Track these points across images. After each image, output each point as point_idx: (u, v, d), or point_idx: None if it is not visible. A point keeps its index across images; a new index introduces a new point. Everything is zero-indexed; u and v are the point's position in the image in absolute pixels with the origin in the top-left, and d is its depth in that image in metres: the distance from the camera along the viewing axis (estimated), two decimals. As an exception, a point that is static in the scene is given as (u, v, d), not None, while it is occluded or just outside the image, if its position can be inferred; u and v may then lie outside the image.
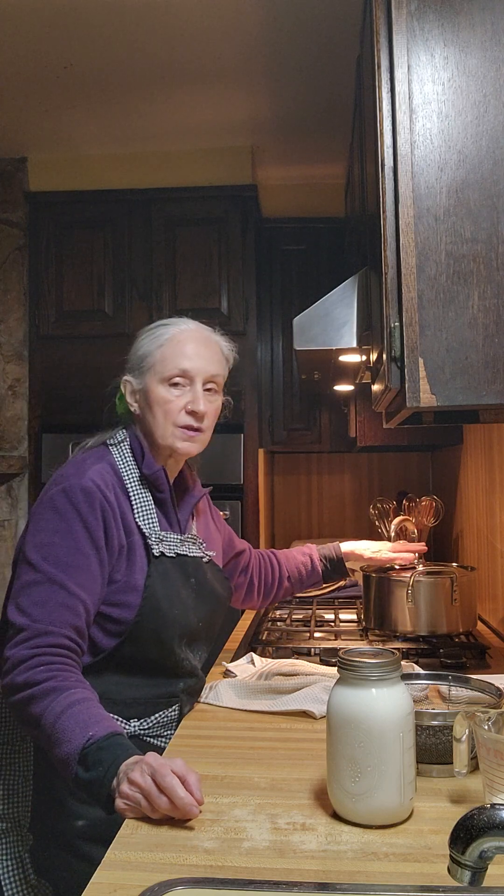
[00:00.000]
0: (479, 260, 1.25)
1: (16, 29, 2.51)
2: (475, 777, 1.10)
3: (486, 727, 1.02)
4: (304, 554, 2.00)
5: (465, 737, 1.06)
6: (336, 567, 2.00)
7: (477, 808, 0.73)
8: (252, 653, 1.86)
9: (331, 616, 2.38)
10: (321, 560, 1.99)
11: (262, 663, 1.79)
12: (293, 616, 2.41)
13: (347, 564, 2.02)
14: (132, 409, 1.53)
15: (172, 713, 1.46)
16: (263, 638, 2.11)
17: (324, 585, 2.84)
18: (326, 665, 1.78)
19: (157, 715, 1.44)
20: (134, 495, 1.46)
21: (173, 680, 1.46)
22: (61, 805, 1.32)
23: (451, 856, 0.73)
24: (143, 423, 1.51)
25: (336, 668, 1.08)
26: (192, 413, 1.48)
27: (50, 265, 3.38)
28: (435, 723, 1.20)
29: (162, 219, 3.35)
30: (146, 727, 1.42)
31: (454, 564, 2.26)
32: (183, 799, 1.02)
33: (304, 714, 1.48)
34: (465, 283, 1.25)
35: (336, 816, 1.05)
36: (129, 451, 1.50)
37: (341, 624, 2.27)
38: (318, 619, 2.33)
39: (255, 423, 3.33)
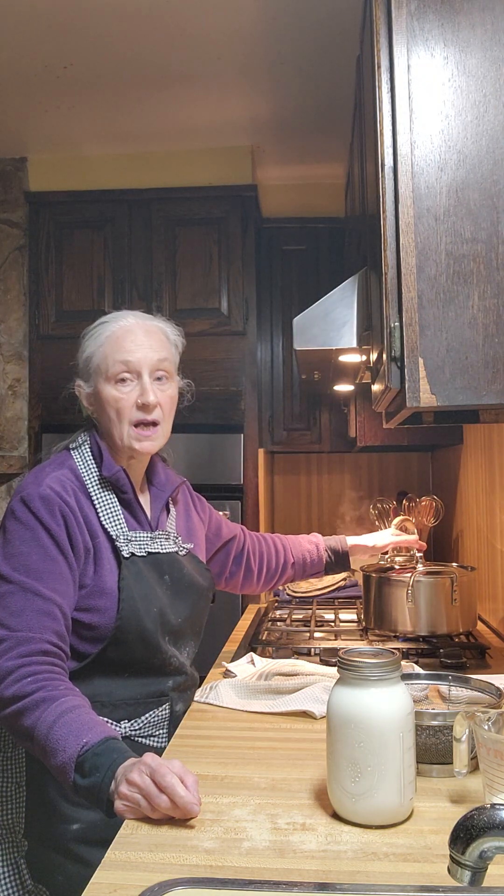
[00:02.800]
0: (479, 260, 1.25)
1: (16, 29, 2.51)
2: (475, 777, 1.10)
3: (486, 727, 1.02)
4: (311, 542, 2.00)
5: (465, 737, 1.06)
6: (340, 560, 2.00)
7: (477, 808, 0.73)
8: (252, 653, 1.86)
9: (331, 616, 2.38)
10: (326, 550, 1.99)
11: (262, 663, 1.78)
12: (293, 616, 2.41)
13: (352, 558, 2.03)
14: (90, 414, 1.52)
15: (163, 712, 1.46)
16: (263, 638, 2.11)
17: (324, 577, 2.86)
18: (326, 665, 1.78)
19: (147, 715, 1.44)
20: (97, 498, 1.44)
21: (161, 678, 1.46)
22: (55, 810, 1.33)
23: (451, 856, 0.73)
24: (101, 426, 1.50)
25: (336, 668, 1.08)
26: (142, 406, 1.45)
27: (50, 265, 3.38)
28: (435, 723, 1.20)
29: (162, 219, 3.35)
30: (137, 728, 1.42)
31: (454, 564, 2.26)
32: (184, 797, 1.02)
33: (304, 714, 1.48)
34: (465, 283, 1.25)
35: (336, 816, 1.05)
36: (89, 454, 1.49)
37: (341, 624, 2.27)
38: (318, 619, 2.33)
39: (254, 423, 3.33)
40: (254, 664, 1.79)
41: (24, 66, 2.74)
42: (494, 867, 0.74)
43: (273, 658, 1.87)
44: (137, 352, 1.45)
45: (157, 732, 1.45)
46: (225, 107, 3.07)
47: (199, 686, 1.62)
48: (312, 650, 1.96)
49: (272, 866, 0.93)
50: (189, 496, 1.73)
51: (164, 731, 1.46)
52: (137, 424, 1.45)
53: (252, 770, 1.24)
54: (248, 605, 2.98)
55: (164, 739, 1.45)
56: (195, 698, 1.59)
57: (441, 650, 1.89)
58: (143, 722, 1.43)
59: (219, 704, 1.55)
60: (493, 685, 1.34)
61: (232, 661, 1.83)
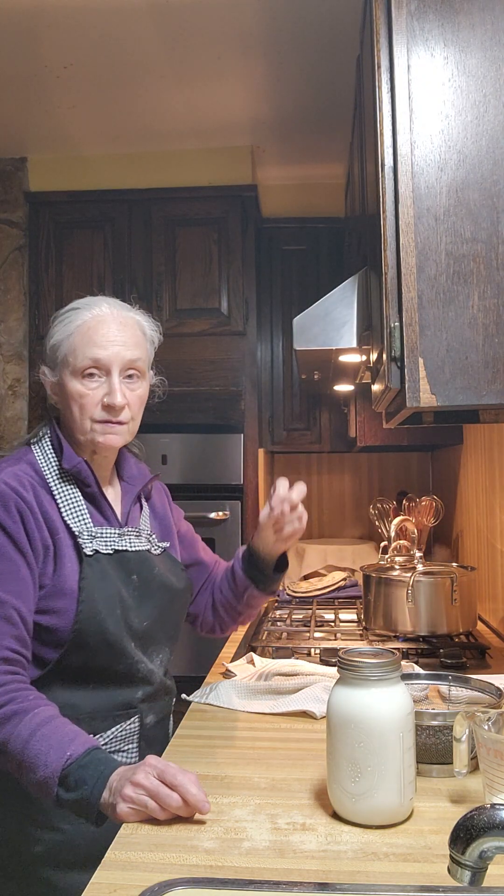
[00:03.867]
0: (479, 260, 1.25)
1: (16, 29, 2.51)
2: (475, 777, 1.10)
3: (486, 727, 1.02)
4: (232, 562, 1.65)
5: (465, 737, 1.06)
6: (252, 562, 1.55)
7: (477, 808, 0.73)
8: (252, 653, 1.86)
9: (331, 616, 2.38)
10: (241, 560, 1.59)
11: (262, 663, 1.79)
12: (293, 616, 2.41)
13: (260, 544, 1.53)
14: (54, 404, 1.43)
15: (132, 725, 1.36)
16: (263, 638, 2.11)
17: (324, 577, 2.85)
18: (326, 665, 1.78)
19: (114, 728, 1.34)
20: (58, 492, 1.35)
21: (129, 688, 1.35)
22: (17, 832, 1.27)
23: (451, 856, 0.73)
24: (64, 418, 1.41)
25: (336, 668, 1.08)
26: (108, 407, 1.35)
27: (50, 265, 3.38)
28: (435, 723, 1.20)
29: (162, 219, 3.35)
30: (104, 743, 1.32)
31: (454, 564, 2.26)
32: (196, 794, 1.02)
33: (305, 714, 1.48)
34: (465, 283, 1.25)
35: (336, 816, 1.05)
36: (49, 446, 1.40)
37: (341, 624, 2.27)
38: (318, 619, 2.33)
39: (254, 423, 3.33)
40: (254, 664, 1.79)
41: (24, 66, 2.74)
42: (494, 867, 0.74)
43: (273, 658, 1.87)
44: (109, 348, 1.34)
45: (127, 747, 1.36)
46: (225, 107, 3.07)
47: (175, 694, 1.51)
48: (312, 650, 1.96)
49: (272, 866, 0.93)
50: (165, 496, 1.62)
51: (135, 745, 1.37)
52: (101, 422, 1.36)
53: (252, 770, 1.24)
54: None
55: (134, 755, 1.36)
56: (195, 698, 1.59)
57: (441, 650, 1.89)
58: (109, 736, 1.33)
59: (219, 704, 1.55)
60: (493, 685, 1.34)
61: (232, 661, 1.83)
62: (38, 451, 1.40)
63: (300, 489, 1.45)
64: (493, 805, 0.73)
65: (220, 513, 3.14)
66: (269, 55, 2.69)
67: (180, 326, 3.27)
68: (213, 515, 3.13)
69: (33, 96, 2.96)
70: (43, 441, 1.41)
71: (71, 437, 1.40)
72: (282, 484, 1.45)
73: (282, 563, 1.57)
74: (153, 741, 1.39)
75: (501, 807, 0.72)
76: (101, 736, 1.32)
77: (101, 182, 3.42)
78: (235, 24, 2.50)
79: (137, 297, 3.31)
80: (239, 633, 2.29)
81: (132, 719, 1.36)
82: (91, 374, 1.35)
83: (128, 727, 1.35)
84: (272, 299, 3.57)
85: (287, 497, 1.43)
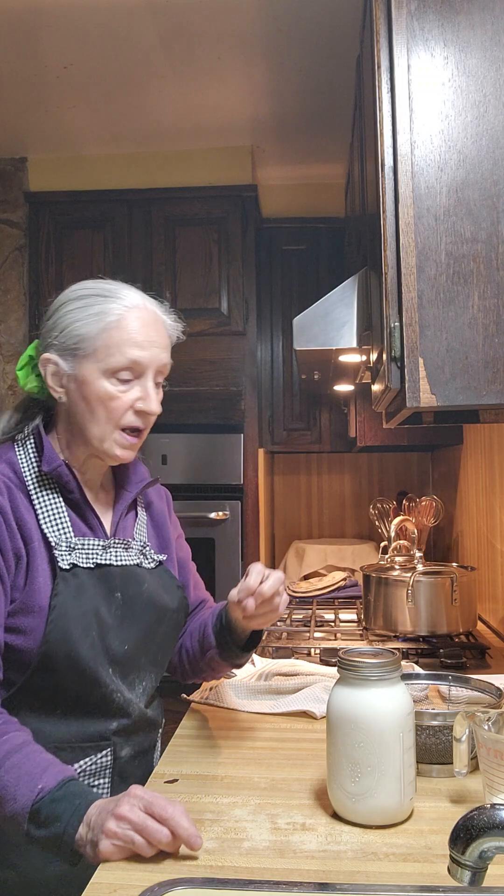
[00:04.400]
0: (479, 260, 1.25)
1: (15, 29, 2.51)
2: (475, 777, 1.10)
3: (486, 727, 1.02)
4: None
5: (465, 737, 1.06)
6: (224, 626, 1.37)
7: (477, 808, 0.73)
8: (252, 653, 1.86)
9: (331, 616, 2.38)
10: (215, 616, 1.41)
11: (262, 663, 1.79)
12: (293, 616, 2.41)
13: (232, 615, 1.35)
14: (56, 396, 1.26)
15: (104, 759, 1.22)
16: (263, 638, 2.11)
17: (324, 577, 2.84)
18: (326, 665, 1.78)
19: (84, 761, 1.20)
20: (37, 497, 1.22)
21: (102, 720, 1.22)
22: None
23: (451, 856, 0.73)
24: (73, 417, 1.26)
25: (336, 668, 1.08)
26: (141, 412, 1.24)
27: (50, 265, 3.38)
28: (435, 723, 1.20)
29: (162, 219, 3.35)
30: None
31: (454, 564, 2.26)
32: (188, 829, 0.93)
33: (305, 714, 1.48)
34: (465, 283, 1.25)
35: (336, 816, 1.05)
36: (32, 446, 1.27)
37: (341, 624, 2.27)
38: (318, 619, 2.33)
39: (254, 423, 3.33)
40: (254, 664, 1.79)
41: (24, 66, 2.74)
42: (494, 867, 0.74)
43: (273, 658, 1.87)
44: (149, 349, 1.23)
45: (98, 782, 1.22)
46: (225, 107, 3.07)
47: (162, 726, 1.39)
48: (312, 650, 1.96)
49: (272, 866, 0.93)
50: (167, 505, 1.48)
51: (107, 780, 1.23)
52: (126, 429, 1.25)
53: (252, 770, 1.24)
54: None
55: (105, 790, 1.23)
56: (195, 699, 1.59)
57: (441, 650, 1.89)
58: (78, 770, 1.19)
59: (219, 704, 1.55)
60: (493, 685, 1.34)
61: (232, 661, 1.83)
62: (21, 449, 1.27)
63: (274, 581, 1.24)
64: (493, 805, 0.73)
65: (220, 513, 3.14)
66: (269, 55, 2.69)
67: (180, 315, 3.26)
68: (213, 515, 3.13)
69: (33, 96, 2.96)
70: (28, 439, 1.28)
71: (71, 435, 1.27)
72: (254, 572, 1.25)
73: (252, 642, 1.38)
74: (129, 776, 1.26)
75: (501, 807, 0.72)
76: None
77: (101, 182, 3.41)
78: (235, 24, 2.50)
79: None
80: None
81: (104, 752, 1.23)
82: (124, 376, 1.23)
83: (99, 760, 1.22)
84: (272, 299, 3.57)
85: (257, 591, 1.23)
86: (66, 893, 1.05)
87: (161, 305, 1.32)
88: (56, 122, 3.17)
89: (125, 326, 1.23)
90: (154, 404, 1.25)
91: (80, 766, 1.20)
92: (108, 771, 1.23)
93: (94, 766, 1.22)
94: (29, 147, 3.40)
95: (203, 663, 1.44)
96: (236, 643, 1.37)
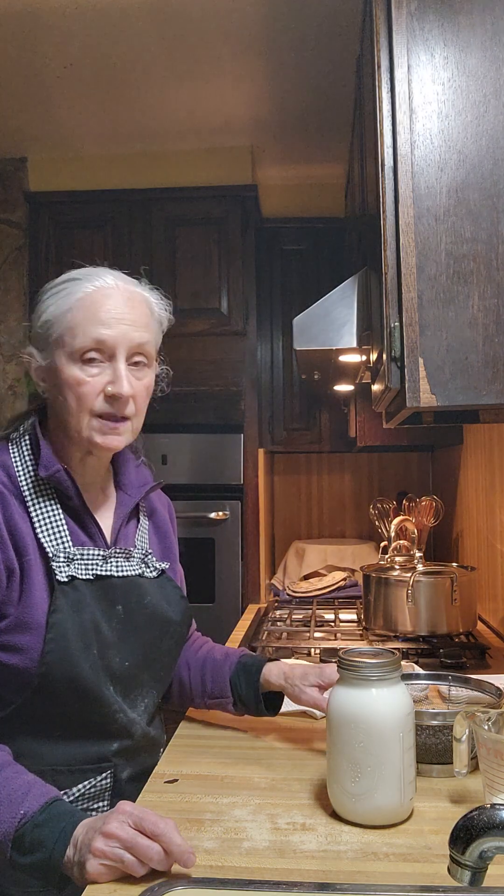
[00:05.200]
0: (479, 260, 1.25)
1: (16, 29, 2.51)
2: (475, 777, 1.10)
3: (486, 727, 1.02)
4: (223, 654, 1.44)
5: (465, 737, 1.06)
6: (251, 684, 1.36)
7: (477, 808, 0.73)
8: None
9: (331, 616, 2.38)
10: (239, 665, 1.39)
11: (262, 663, 1.78)
12: (293, 616, 2.41)
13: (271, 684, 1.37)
14: (40, 391, 1.21)
15: (104, 782, 1.17)
16: (263, 638, 2.11)
17: (324, 577, 2.84)
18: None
19: (83, 784, 1.16)
20: (33, 504, 1.16)
21: (103, 741, 1.17)
22: None
23: (451, 856, 0.73)
24: (56, 410, 1.20)
25: (336, 668, 1.08)
26: (112, 397, 1.15)
27: (50, 265, 3.38)
28: (435, 723, 1.20)
29: (162, 219, 3.35)
30: (71, 799, 1.14)
31: (454, 564, 2.26)
32: (181, 845, 0.88)
33: (305, 714, 1.48)
34: (465, 283, 1.25)
35: (336, 816, 1.05)
36: (28, 447, 1.20)
37: (341, 624, 2.27)
38: (318, 619, 2.33)
39: (255, 423, 3.33)
40: (254, 664, 1.79)
41: (24, 66, 2.74)
42: (494, 867, 0.74)
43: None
44: (115, 327, 1.14)
45: (97, 805, 1.18)
46: (225, 107, 3.07)
47: (165, 746, 1.33)
48: (312, 650, 1.96)
49: (272, 866, 0.93)
50: (168, 513, 1.43)
51: (106, 802, 1.18)
52: (102, 416, 1.16)
53: (252, 770, 1.24)
54: (248, 605, 2.98)
55: (105, 811, 1.13)
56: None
57: (441, 650, 1.89)
58: (76, 794, 1.15)
59: (219, 704, 1.55)
60: (493, 685, 1.34)
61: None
62: (16, 450, 1.20)
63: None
64: (493, 805, 0.73)
65: (220, 513, 3.14)
66: (269, 55, 2.68)
67: (180, 326, 3.24)
68: (213, 515, 3.13)
69: (33, 96, 2.96)
70: (23, 439, 1.21)
71: (59, 436, 1.21)
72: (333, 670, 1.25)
73: (276, 704, 1.38)
74: (129, 798, 1.14)
75: (501, 807, 0.72)
76: (67, 793, 1.14)
77: (101, 182, 3.41)
78: (235, 24, 2.50)
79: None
80: (239, 633, 2.29)
81: (104, 774, 1.18)
82: (92, 359, 1.15)
83: (99, 783, 1.17)
84: (272, 299, 3.57)
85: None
86: None
87: (139, 284, 1.24)
88: (56, 122, 3.17)
89: (88, 305, 1.15)
90: (124, 386, 1.14)
91: (79, 790, 1.15)
92: (107, 793, 1.18)
93: (93, 790, 1.17)
94: (29, 147, 3.40)
95: (199, 701, 1.41)
96: (265, 708, 1.37)
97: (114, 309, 1.16)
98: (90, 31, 2.52)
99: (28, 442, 1.21)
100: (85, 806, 1.16)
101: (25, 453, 1.20)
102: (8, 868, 0.95)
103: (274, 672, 1.35)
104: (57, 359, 1.16)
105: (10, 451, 1.20)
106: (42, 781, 1.00)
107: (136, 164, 3.44)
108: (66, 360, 1.15)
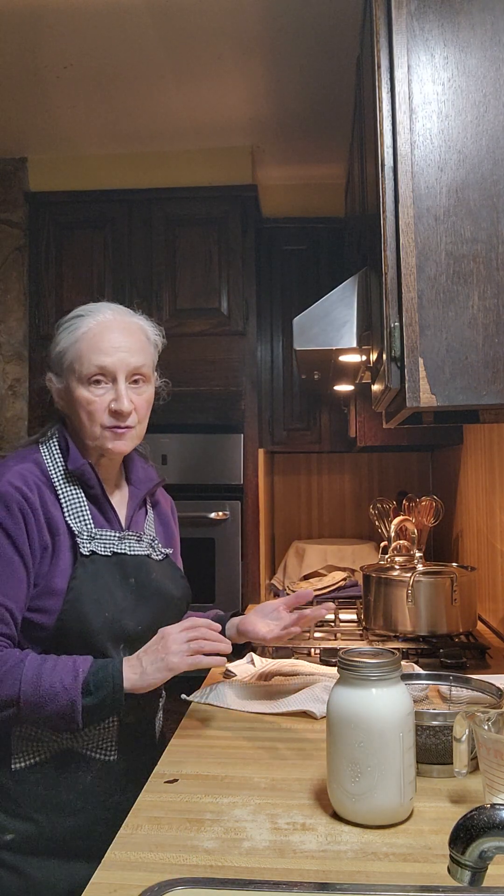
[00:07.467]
0: (479, 260, 1.25)
1: (16, 29, 2.51)
2: (475, 777, 1.10)
3: (486, 727, 1.02)
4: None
5: (465, 737, 1.06)
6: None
7: (477, 808, 0.73)
8: (252, 653, 1.86)
9: (331, 616, 2.38)
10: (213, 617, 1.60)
11: (262, 663, 1.79)
12: (293, 616, 2.40)
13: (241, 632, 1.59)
14: (59, 409, 1.46)
15: (110, 724, 1.35)
16: (263, 638, 2.11)
17: (324, 577, 2.84)
18: (326, 665, 1.78)
19: (90, 727, 1.32)
20: (62, 492, 1.38)
21: None
22: None
23: (451, 856, 0.73)
24: (72, 423, 1.44)
25: (336, 668, 1.08)
26: (115, 413, 1.38)
27: (50, 265, 3.38)
28: (435, 723, 1.20)
29: (162, 219, 3.35)
30: (80, 741, 1.33)
31: (454, 564, 2.26)
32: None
33: (305, 714, 1.48)
34: (465, 283, 1.25)
35: (336, 816, 1.06)
36: (56, 447, 1.43)
37: (341, 624, 2.27)
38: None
39: (254, 423, 3.33)
40: (254, 664, 1.79)
41: (24, 66, 2.74)
42: (494, 867, 0.74)
43: (273, 658, 1.87)
44: (114, 354, 1.38)
45: (104, 745, 1.35)
46: (225, 107, 3.07)
47: (163, 697, 1.51)
48: (312, 650, 1.96)
49: (272, 866, 0.93)
50: (169, 508, 1.65)
51: (113, 744, 1.35)
52: (110, 427, 1.40)
53: (252, 770, 1.24)
54: (248, 605, 2.98)
55: (113, 753, 1.35)
56: (195, 698, 1.59)
57: (441, 650, 1.89)
58: (85, 736, 1.33)
59: (219, 705, 1.55)
60: (493, 685, 1.34)
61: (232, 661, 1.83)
62: (45, 450, 1.43)
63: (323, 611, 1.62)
64: (493, 805, 0.73)
65: (220, 513, 3.14)
66: (269, 55, 2.68)
67: (180, 326, 3.26)
68: (212, 515, 3.13)
69: (33, 96, 2.96)
70: (51, 441, 1.44)
71: (79, 441, 1.43)
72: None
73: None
74: (135, 741, 1.39)
75: (501, 807, 0.72)
76: (76, 736, 1.32)
77: (101, 182, 3.41)
78: (235, 24, 2.50)
79: (138, 297, 3.34)
80: (239, 633, 2.29)
81: (110, 719, 1.34)
82: (97, 381, 1.38)
83: (105, 725, 1.35)
84: (272, 299, 3.57)
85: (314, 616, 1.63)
86: (77, 846, 1.27)
87: (134, 314, 1.47)
88: (56, 122, 3.17)
89: (91, 338, 1.39)
90: (125, 403, 1.38)
91: (88, 732, 1.33)
92: (114, 737, 1.35)
93: (101, 732, 1.34)
94: (29, 147, 3.40)
95: None
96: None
97: (113, 339, 1.39)
98: (90, 31, 2.52)
99: (56, 443, 1.44)
100: (93, 746, 1.34)
101: (55, 452, 1.43)
102: (77, 727, 1.23)
103: (236, 619, 1.61)
104: (70, 382, 1.40)
105: (41, 451, 1.43)
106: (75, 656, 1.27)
107: (136, 164, 3.44)
108: (77, 384, 1.39)
